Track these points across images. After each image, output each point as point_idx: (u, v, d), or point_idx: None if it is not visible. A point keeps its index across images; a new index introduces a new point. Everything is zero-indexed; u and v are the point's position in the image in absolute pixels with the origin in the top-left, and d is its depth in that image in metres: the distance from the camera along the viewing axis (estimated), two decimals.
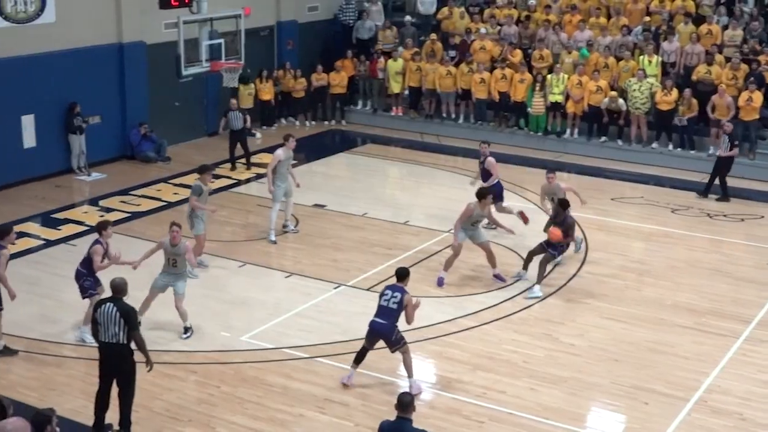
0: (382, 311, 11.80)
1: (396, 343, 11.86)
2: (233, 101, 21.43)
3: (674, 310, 14.59)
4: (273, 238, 17.01)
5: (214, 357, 12.85)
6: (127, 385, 10.65)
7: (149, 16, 21.38)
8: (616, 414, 11.76)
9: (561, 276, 15.57)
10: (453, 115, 24.93)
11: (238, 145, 21.45)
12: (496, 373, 12.53)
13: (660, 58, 22.73)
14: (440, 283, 15.25)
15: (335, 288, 15.03)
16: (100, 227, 13.22)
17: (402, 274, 12.04)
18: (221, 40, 18.44)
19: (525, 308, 14.52)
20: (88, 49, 20.87)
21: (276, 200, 17.00)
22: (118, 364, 10.57)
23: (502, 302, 14.71)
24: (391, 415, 11.28)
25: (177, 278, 13.38)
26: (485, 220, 16.03)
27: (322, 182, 19.92)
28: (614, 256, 16.57)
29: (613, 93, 22.34)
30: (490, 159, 17.49)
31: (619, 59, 23.07)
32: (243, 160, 21.60)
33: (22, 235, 17.08)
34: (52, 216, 18.29)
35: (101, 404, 10.76)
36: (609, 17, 24.78)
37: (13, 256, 15.84)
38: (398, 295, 11.77)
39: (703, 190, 19.94)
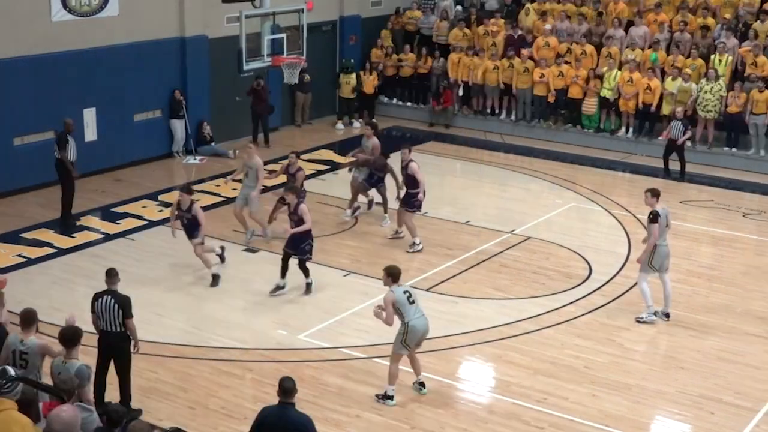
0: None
1: None
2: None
3: (744, 317, 14.13)
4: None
5: (271, 355, 12.74)
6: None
7: (211, 10, 21.41)
8: (681, 424, 11.41)
9: (626, 281, 15.16)
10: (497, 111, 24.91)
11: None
12: (558, 379, 12.24)
13: (731, 58, 22.18)
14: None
15: None
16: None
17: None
18: (283, 35, 18.36)
19: (588, 312, 14.18)
20: (151, 42, 20.94)
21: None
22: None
23: (564, 306, 14.38)
24: (454, 418, 11.22)
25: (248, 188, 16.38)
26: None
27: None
28: (682, 260, 16.06)
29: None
30: (413, 165, 16.47)
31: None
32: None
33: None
34: (111, 210, 18.33)
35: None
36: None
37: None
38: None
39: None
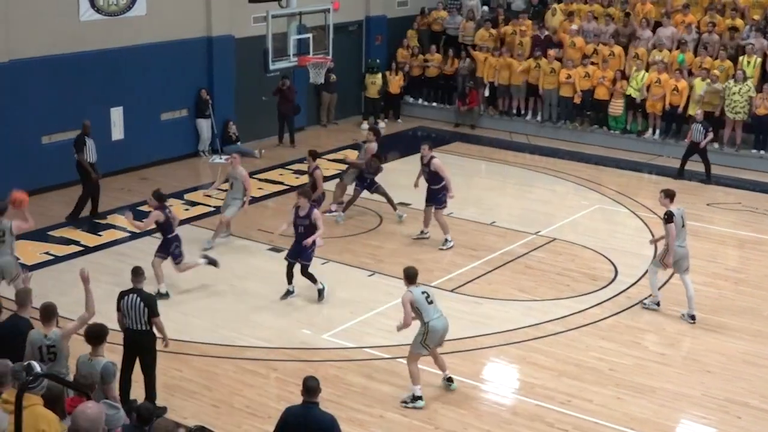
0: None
1: None
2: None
3: None
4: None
5: (295, 355, 12.76)
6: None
7: (238, 10, 21.47)
8: (706, 428, 11.33)
9: None
10: (522, 111, 24.86)
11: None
12: (582, 381, 12.18)
13: (759, 59, 22.00)
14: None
15: None
16: None
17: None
18: (309, 35, 18.38)
19: (613, 315, 14.11)
20: (177, 42, 21.02)
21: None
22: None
23: (590, 308, 14.31)
24: (477, 419, 11.20)
25: (233, 200, 16.17)
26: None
27: (408, 180, 19.69)
28: (708, 263, 15.96)
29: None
30: (436, 161, 16.48)
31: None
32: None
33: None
34: (137, 208, 18.38)
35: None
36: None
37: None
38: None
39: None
